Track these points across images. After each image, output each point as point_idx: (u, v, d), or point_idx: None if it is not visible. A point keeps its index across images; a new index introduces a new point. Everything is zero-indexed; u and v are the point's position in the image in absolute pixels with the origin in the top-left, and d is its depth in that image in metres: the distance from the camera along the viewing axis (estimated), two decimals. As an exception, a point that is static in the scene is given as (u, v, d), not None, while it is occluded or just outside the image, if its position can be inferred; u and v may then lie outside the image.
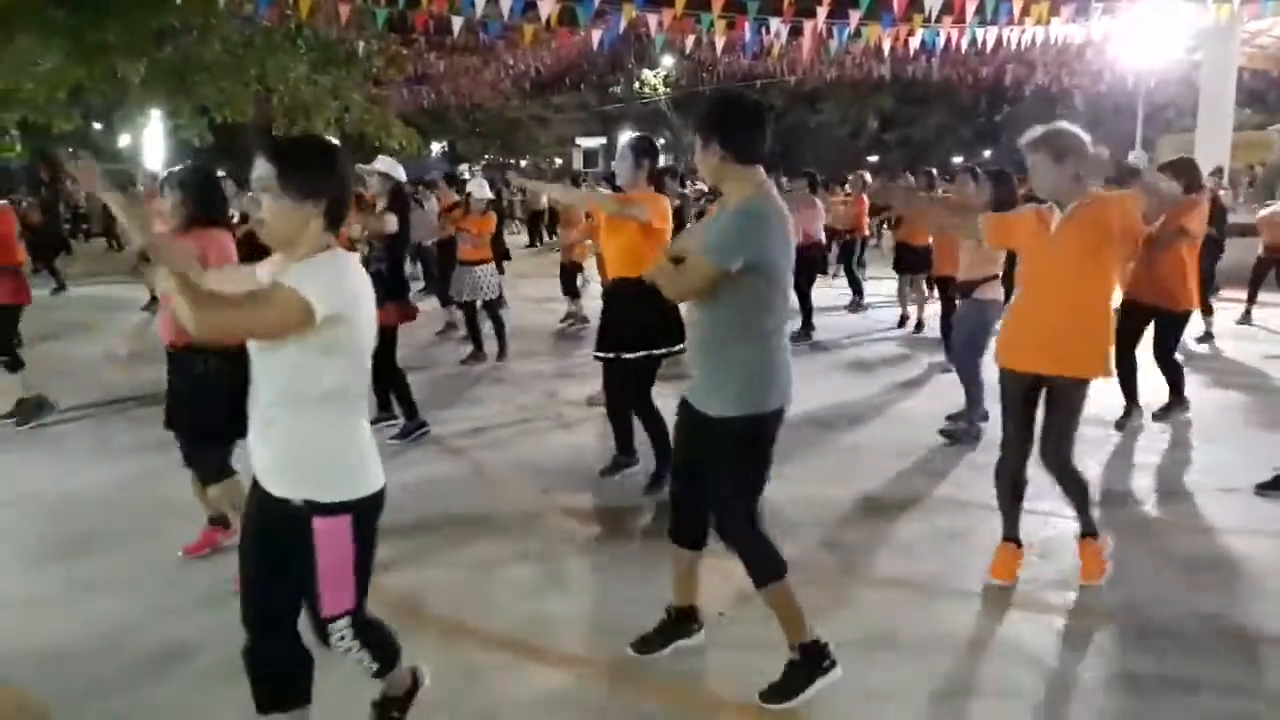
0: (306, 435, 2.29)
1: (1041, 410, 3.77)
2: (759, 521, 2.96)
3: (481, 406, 7.00)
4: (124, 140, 23.98)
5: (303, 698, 2.48)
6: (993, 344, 4.17)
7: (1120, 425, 6.13)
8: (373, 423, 5.85)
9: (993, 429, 5.92)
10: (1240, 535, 4.40)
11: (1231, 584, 3.92)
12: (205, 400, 3.86)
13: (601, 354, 5.00)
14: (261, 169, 2.22)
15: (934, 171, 9.78)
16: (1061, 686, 3.15)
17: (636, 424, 5.09)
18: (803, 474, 5.10)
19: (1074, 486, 3.87)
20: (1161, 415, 6.24)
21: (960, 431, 5.87)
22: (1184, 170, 5.95)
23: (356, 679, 2.60)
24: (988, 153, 34.83)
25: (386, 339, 5.88)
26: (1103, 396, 6.46)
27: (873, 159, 35.14)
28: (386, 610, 3.68)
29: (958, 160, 31.07)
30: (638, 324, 4.82)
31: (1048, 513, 4.62)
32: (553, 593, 3.90)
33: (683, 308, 3.04)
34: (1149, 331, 6.09)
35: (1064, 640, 3.44)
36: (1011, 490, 3.89)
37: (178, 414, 4.01)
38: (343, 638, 2.41)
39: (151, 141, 20.11)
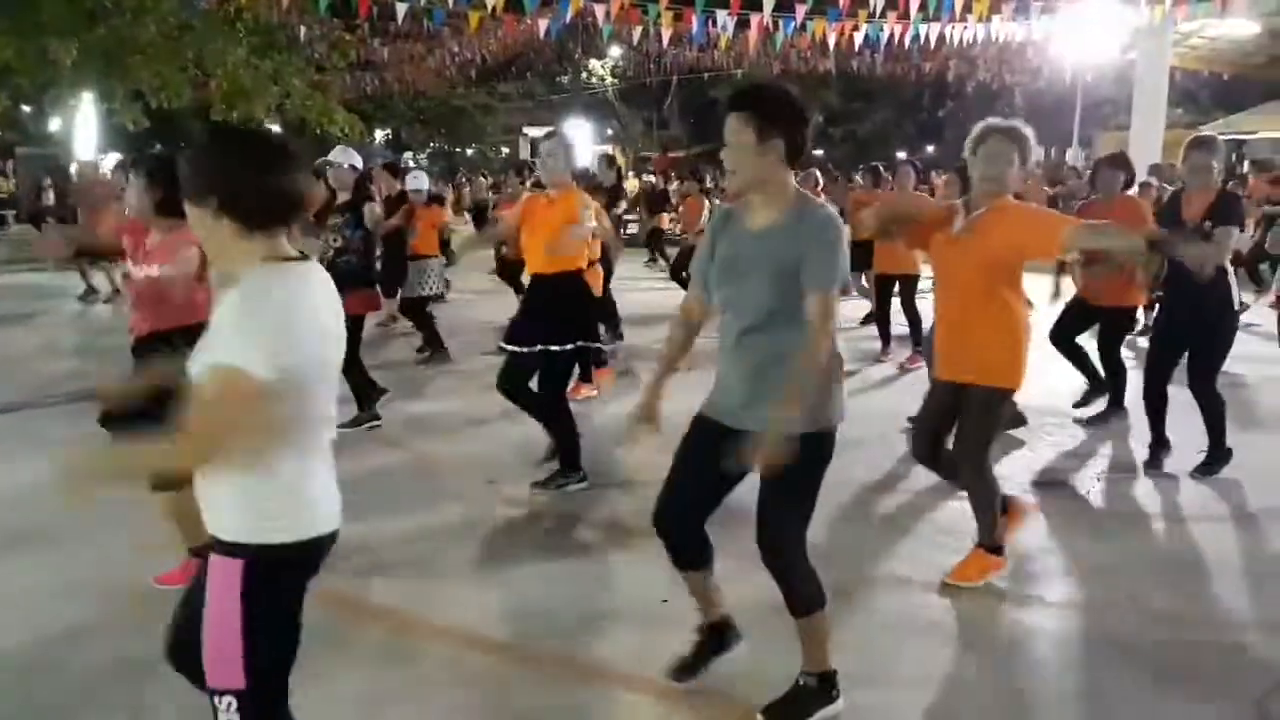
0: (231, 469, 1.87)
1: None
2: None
3: (427, 398, 6.94)
4: (55, 124, 23.25)
5: None
6: None
7: (1082, 404, 6.33)
8: (351, 424, 5.91)
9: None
10: (1203, 523, 4.53)
11: (1200, 578, 4.03)
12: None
13: (511, 347, 4.89)
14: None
15: (880, 167, 9.87)
16: (1034, 679, 3.21)
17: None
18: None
19: (977, 497, 3.72)
20: (1082, 403, 6.36)
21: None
22: (1123, 164, 6.13)
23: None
24: (930, 148, 35.31)
25: (353, 329, 5.85)
26: (1060, 386, 6.61)
27: (818, 153, 35.45)
28: (330, 601, 3.66)
29: (901, 155, 31.47)
30: (556, 319, 4.82)
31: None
32: (496, 584, 3.88)
33: (729, 330, 2.73)
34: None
35: (1037, 633, 3.51)
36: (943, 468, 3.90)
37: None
38: None
39: (84, 126, 19.53)
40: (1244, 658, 3.28)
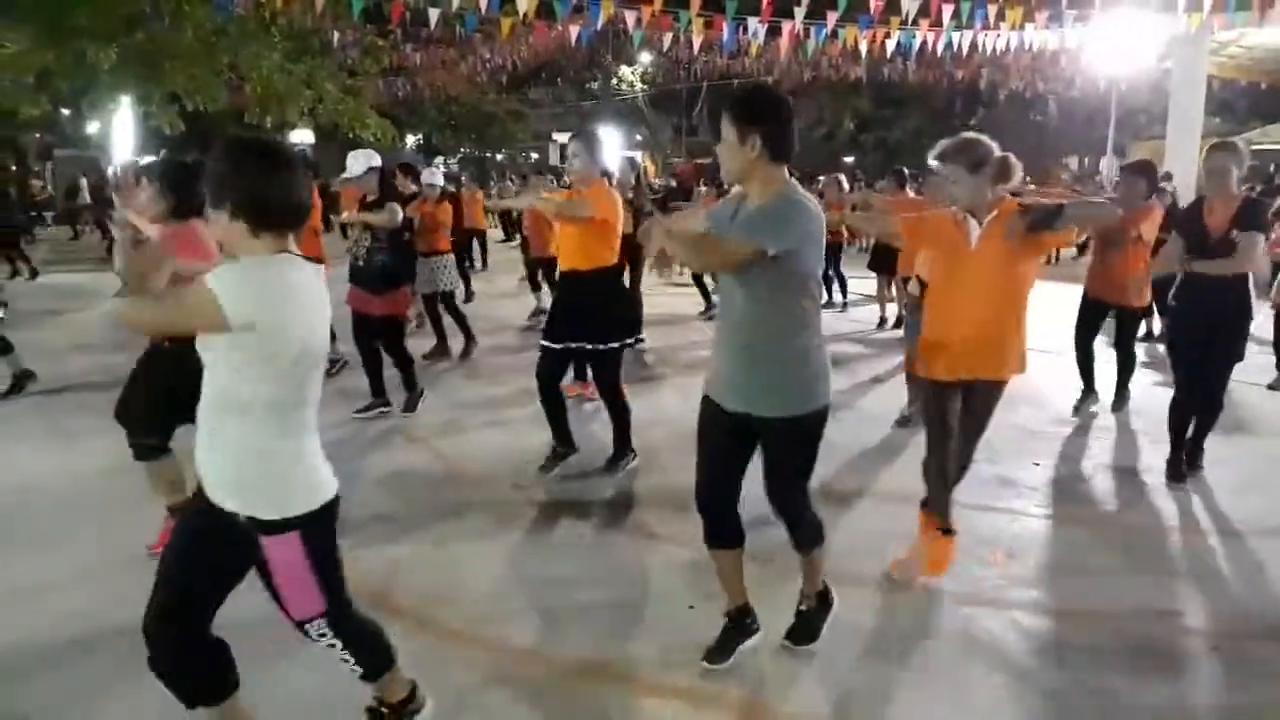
0: (249, 449, 2.26)
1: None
2: None
3: (452, 399, 6.96)
4: (93, 127, 23.63)
5: (225, 690, 2.45)
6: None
7: (1077, 409, 6.45)
8: (367, 407, 6.23)
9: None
10: (1199, 533, 4.47)
11: (1185, 582, 3.97)
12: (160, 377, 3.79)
13: (550, 344, 5.01)
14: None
15: (905, 170, 9.78)
16: (1021, 682, 3.17)
17: (588, 414, 5.10)
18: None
19: (958, 478, 3.90)
20: (1119, 405, 6.50)
21: (915, 415, 5.98)
22: (1145, 171, 6.12)
23: (340, 679, 2.58)
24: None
25: (393, 327, 6.41)
26: (1056, 394, 6.56)
27: (849, 160, 35.29)
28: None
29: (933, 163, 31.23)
30: (587, 316, 4.94)
31: (1016, 511, 4.67)
32: (521, 588, 3.89)
33: (730, 318, 2.96)
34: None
35: (1028, 638, 3.47)
36: (943, 479, 3.85)
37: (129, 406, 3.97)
38: (322, 634, 2.44)
39: (121, 129, 19.82)
40: (1239, 661, 3.22)
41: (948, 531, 3.86)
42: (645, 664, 3.26)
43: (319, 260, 7.05)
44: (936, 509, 3.86)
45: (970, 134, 3.62)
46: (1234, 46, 16.97)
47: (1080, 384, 6.54)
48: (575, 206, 4.89)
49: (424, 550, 4.23)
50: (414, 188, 8.68)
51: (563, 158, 5.16)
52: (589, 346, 4.97)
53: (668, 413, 6.49)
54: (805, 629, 3.33)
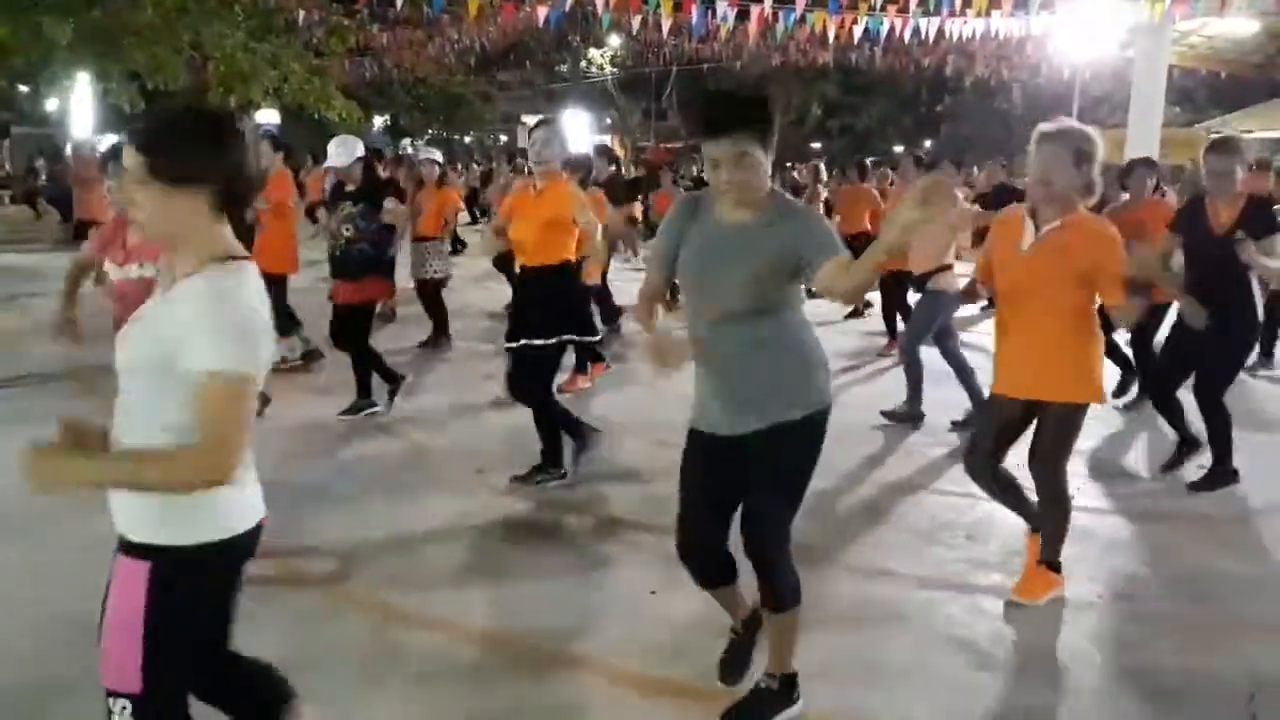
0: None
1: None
2: None
3: (419, 386, 6.94)
4: (51, 104, 23.13)
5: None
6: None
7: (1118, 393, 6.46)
8: (353, 411, 5.96)
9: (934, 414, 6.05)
10: (1194, 524, 4.56)
11: (1148, 564, 4.06)
12: None
13: (511, 344, 4.81)
14: (129, 158, 1.83)
15: (867, 162, 9.83)
16: (986, 668, 3.23)
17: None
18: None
19: (1050, 510, 3.61)
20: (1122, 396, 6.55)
21: (901, 414, 6.00)
22: (1153, 165, 6.21)
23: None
24: (928, 142, 35.28)
25: (361, 315, 5.93)
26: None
27: (816, 146, 35.41)
28: (313, 590, 3.67)
29: (899, 149, 31.47)
30: (540, 312, 4.76)
31: (976, 495, 4.74)
32: (482, 575, 3.89)
33: (699, 318, 2.67)
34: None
35: (990, 621, 3.53)
36: (990, 485, 3.70)
37: None
38: None
39: (80, 107, 19.43)
40: (1235, 659, 3.30)
41: (1042, 564, 3.63)
42: (604, 649, 3.28)
43: (289, 249, 7.00)
44: (1032, 528, 3.71)
45: (1080, 125, 3.36)
46: (1195, 36, 17.19)
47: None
48: (592, 228, 4.86)
49: (383, 534, 4.22)
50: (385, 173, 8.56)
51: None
52: (537, 342, 4.72)
53: (633, 396, 6.51)
54: (752, 710, 2.81)
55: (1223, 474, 4.90)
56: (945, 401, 5.99)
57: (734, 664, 2.98)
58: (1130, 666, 3.21)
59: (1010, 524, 4.43)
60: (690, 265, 2.69)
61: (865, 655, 3.26)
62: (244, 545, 1.91)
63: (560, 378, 5.34)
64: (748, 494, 2.68)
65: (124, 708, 1.81)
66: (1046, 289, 3.35)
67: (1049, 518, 3.61)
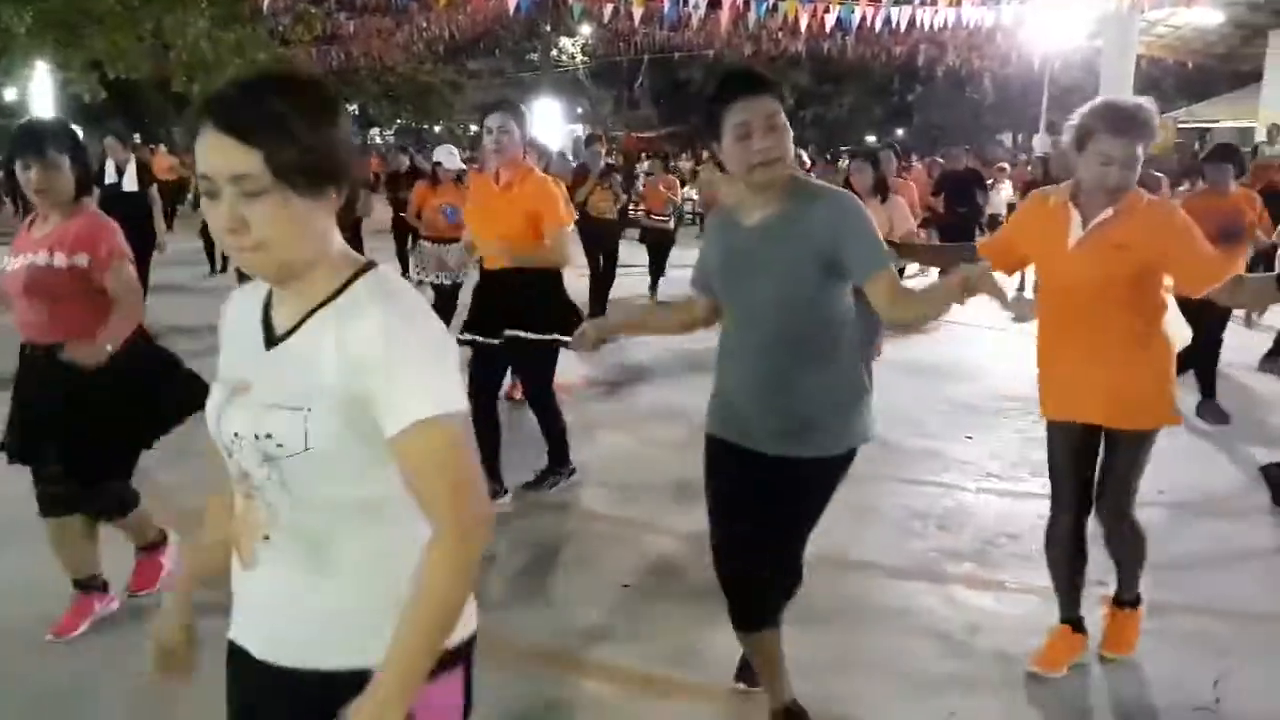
0: (375, 568, 1.35)
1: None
2: None
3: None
4: (10, 94, 22.67)
5: None
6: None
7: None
8: None
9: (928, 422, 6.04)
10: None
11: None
12: (101, 408, 3.04)
13: (487, 338, 4.31)
14: (224, 154, 1.21)
15: (831, 154, 9.85)
16: (961, 657, 3.22)
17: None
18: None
19: (1130, 544, 3.10)
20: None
21: None
22: (1232, 155, 6.09)
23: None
24: (900, 131, 35.43)
25: None
26: (992, 368, 6.66)
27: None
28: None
29: (871, 139, 31.57)
30: (511, 310, 4.26)
31: (949, 485, 4.74)
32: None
33: (737, 335, 2.46)
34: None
35: (965, 612, 3.52)
36: (1067, 562, 3.10)
37: (48, 438, 3.08)
38: None
39: (39, 96, 19.05)
40: (1202, 642, 3.31)
41: (1125, 605, 3.19)
42: (581, 644, 3.23)
43: None
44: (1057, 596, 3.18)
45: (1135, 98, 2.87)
46: (1162, 26, 17.37)
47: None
48: (560, 238, 4.26)
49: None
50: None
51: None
52: (529, 336, 4.27)
53: (615, 388, 6.47)
54: None
55: None
56: (917, 392, 6.00)
57: None
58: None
59: (982, 513, 4.44)
60: (720, 282, 2.49)
61: (840, 647, 3.23)
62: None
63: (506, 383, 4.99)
64: (778, 517, 2.49)
65: None
66: (1109, 290, 2.75)
67: (1133, 556, 3.13)
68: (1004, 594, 3.67)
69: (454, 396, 1.31)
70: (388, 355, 1.26)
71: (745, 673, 2.85)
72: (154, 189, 8.68)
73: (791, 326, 2.37)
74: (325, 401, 1.28)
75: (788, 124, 2.30)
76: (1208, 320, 5.29)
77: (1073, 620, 3.13)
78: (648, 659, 3.12)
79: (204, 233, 11.07)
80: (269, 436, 1.29)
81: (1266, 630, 3.45)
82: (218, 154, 1.22)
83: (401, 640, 1.26)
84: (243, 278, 1.38)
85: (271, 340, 1.35)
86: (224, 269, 10.64)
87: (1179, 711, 2.92)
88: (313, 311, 1.32)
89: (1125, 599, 3.19)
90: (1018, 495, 4.68)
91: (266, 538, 1.36)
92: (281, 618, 1.37)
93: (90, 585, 3.29)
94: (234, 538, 1.42)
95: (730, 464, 2.51)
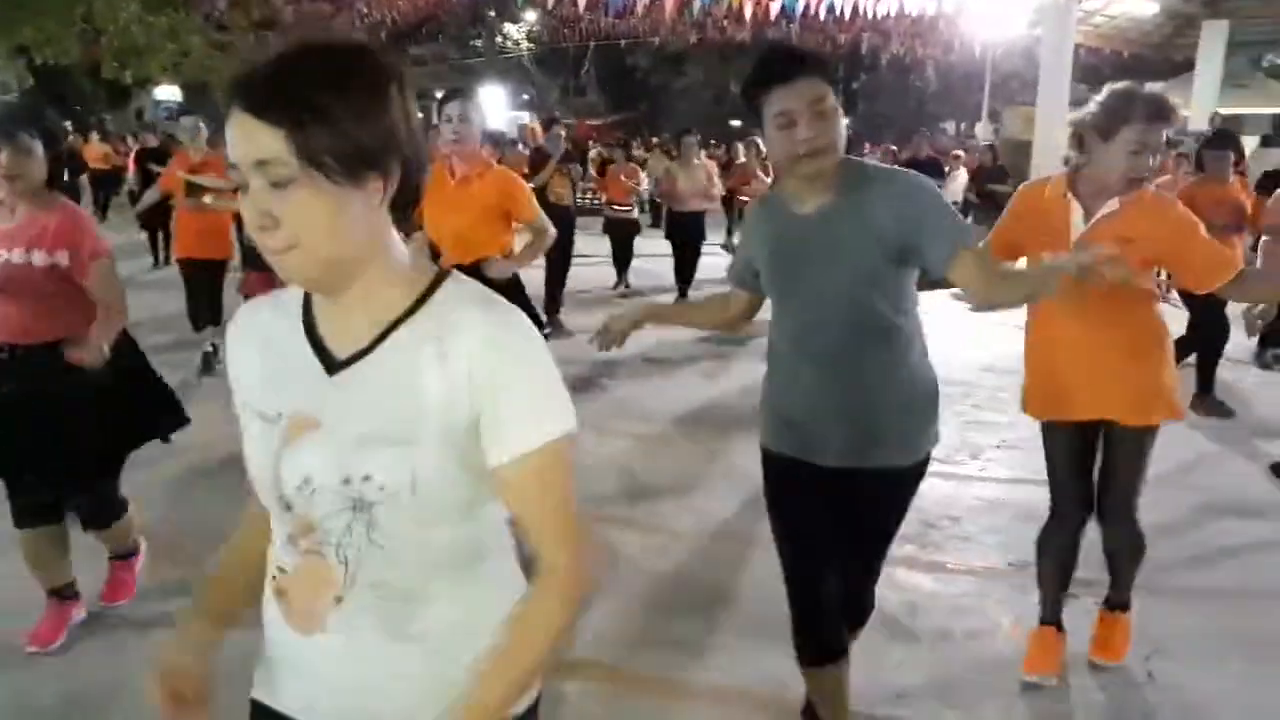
0: (471, 630, 1.18)
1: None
2: None
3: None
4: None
5: None
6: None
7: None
8: None
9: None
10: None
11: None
12: (81, 416, 2.92)
13: None
14: (263, 138, 1.03)
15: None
16: (901, 639, 3.24)
17: None
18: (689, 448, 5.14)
19: (1131, 546, 3.03)
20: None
21: None
22: (1231, 142, 6.20)
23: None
24: (846, 119, 35.67)
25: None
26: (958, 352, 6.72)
27: (736, 123, 35.54)
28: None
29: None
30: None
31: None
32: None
33: (793, 331, 2.25)
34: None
35: (904, 593, 3.54)
36: (1062, 566, 3.04)
37: (34, 450, 2.91)
38: None
39: (-36, 82, 18.40)
40: (1136, 620, 3.37)
41: (1115, 610, 3.16)
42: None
43: (227, 233, 6.62)
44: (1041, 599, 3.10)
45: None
46: (1099, 16, 17.67)
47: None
48: (540, 232, 4.19)
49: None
50: None
51: (439, 116, 3.99)
52: None
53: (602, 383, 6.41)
54: None
55: None
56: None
57: None
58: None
59: (923, 496, 4.44)
60: (771, 274, 2.26)
61: (780, 629, 3.23)
62: None
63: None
64: (851, 538, 2.32)
65: None
66: (1114, 284, 2.56)
67: (1131, 559, 3.05)
68: (944, 575, 3.71)
69: (570, 412, 1.16)
70: (500, 372, 1.10)
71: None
72: (83, 178, 8.41)
73: (858, 319, 2.14)
74: (432, 431, 1.09)
75: (838, 107, 2.07)
76: (1209, 314, 5.30)
77: (1057, 622, 3.09)
78: (618, 659, 3.10)
79: (146, 224, 10.77)
80: (366, 479, 1.08)
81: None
82: (240, 137, 1.04)
83: (490, 679, 1.11)
84: (249, 269, 1.23)
85: (334, 364, 1.14)
86: (168, 261, 10.33)
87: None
88: (395, 325, 1.12)
89: (1118, 602, 3.14)
90: (960, 479, 4.73)
91: (339, 599, 1.14)
92: (361, 691, 1.17)
93: (65, 594, 3.19)
94: (284, 598, 1.19)
95: (796, 484, 2.28)
